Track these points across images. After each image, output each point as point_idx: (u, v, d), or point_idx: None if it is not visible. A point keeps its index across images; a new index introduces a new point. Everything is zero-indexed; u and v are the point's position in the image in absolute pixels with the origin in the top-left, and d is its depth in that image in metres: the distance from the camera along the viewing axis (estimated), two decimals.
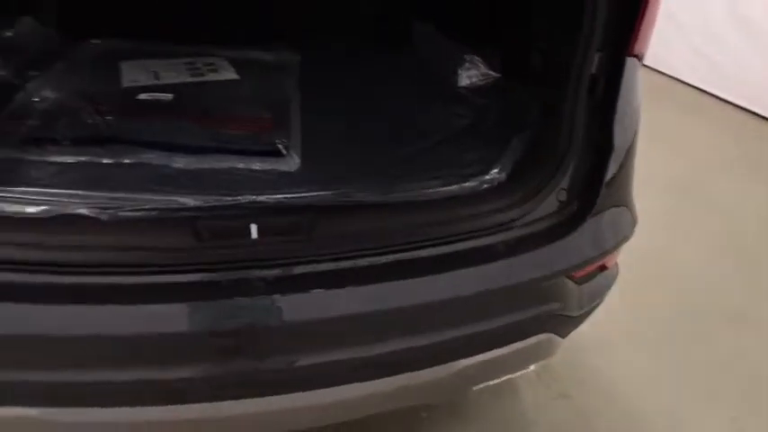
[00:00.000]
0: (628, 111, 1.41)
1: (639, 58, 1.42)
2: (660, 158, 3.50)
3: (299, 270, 1.18)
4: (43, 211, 1.20)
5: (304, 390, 1.22)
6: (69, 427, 1.17)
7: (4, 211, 1.20)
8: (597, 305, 1.59)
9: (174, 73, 1.90)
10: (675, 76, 5.32)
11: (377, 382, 1.27)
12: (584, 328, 1.63)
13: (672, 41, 5.13)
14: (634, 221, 1.55)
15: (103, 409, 1.15)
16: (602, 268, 1.50)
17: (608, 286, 1.58)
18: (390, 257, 1.22)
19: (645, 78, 1.48)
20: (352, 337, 1.23)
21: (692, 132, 4.22)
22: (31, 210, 1.20)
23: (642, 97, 1.48)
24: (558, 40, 1.48)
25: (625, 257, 1.60)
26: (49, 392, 1.12)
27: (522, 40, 1.76)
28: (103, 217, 1.19)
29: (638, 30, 1.33)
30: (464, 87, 2.03)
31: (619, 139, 1.38)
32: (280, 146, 1.49)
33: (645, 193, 1.67)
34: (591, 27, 1.34)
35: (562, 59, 1.41)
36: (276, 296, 1.15)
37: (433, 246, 1.25)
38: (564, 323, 1.49)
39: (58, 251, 1.13)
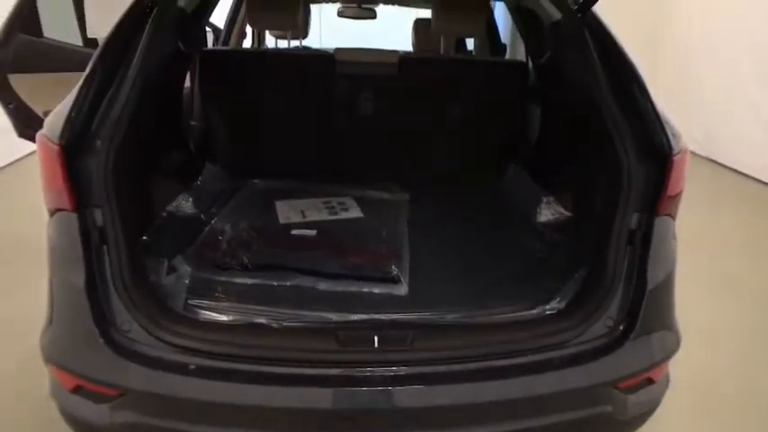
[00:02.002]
0: (661, 256, 1.80)
1: (672, 216, 1.85)
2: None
3: (403, 371, 1.63)
4: (234, 319, 1.77)
5: None
6: None
7: (207, 318, 1.78)
8: (648, 412, 1.90)
9: (316, 211, 2.53)
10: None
11: None
12: None
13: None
14: (677, 342, 1.86)
15: None
16: (649, 381, 1.81)
17: (657, 396, 1.87)
18: (470, 366, 1.64)
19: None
20: (438, 421, 1.65)
21: None
22: (224, 318, 1.78)
23: (676, 245, 1.88)
24: (608, 198, 1.92)
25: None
26: None
27: (588, 191, 2.21)
28: (275, 325, 1.74)
29: (664, 198, 1.77)
30: (541, 223, 2.50)
31: (653, 279, 1.77)
32: (393, 275, 2.02)
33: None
34: (627, 194, 1.78)
35: (610, 213, 1.85)
36: (389, 388, 1.61)
37: (504, 358, 1.67)
38: (614, 425, 1.81)
39: (243, 348, 1.66)
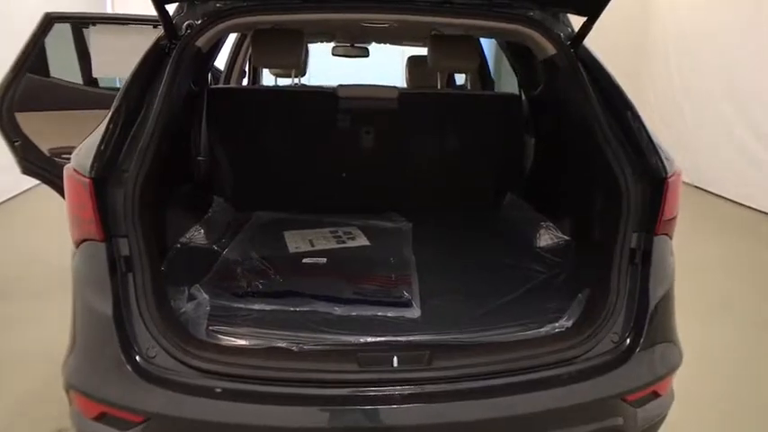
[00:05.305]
0: (661, 273, 1.90)
1: (669, 235, 1.95)
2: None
3: (423, 390, 1.69)
4: (255, 344, 1.82)
5: None
6: None
7: (230, 343, 1.83)
8: (655, 425, 1.96)
9: (325, 241, 2.61)
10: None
11: None
12: None
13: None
14: (680, 356, 1.94)
15: None
16: (656, 394, 1.88)
17: (663, 410, 1.95)
18: (486, 383, 1.71)
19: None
20: None
21: None
22: (246, 343, 1.84)
23: (674, 262, 1.98)
24: (607, 221, 2.02)
25: None
26: None
27: (586, 216, 2.32)
28: (294, 349, 1.79)
29: (661, 218, 1.87)
30: (541, 248, 2.59)
31: (655, 296, 1.86)
32: (405, 299, 2.09)
33: None
34: (626, 215, 1.89)
35: (611, 234, 1.95)
36: (407, 406, 1.67)
37: (515, 375, 1.73)
38: None
39: (267, 370, 1.70)
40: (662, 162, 1.88)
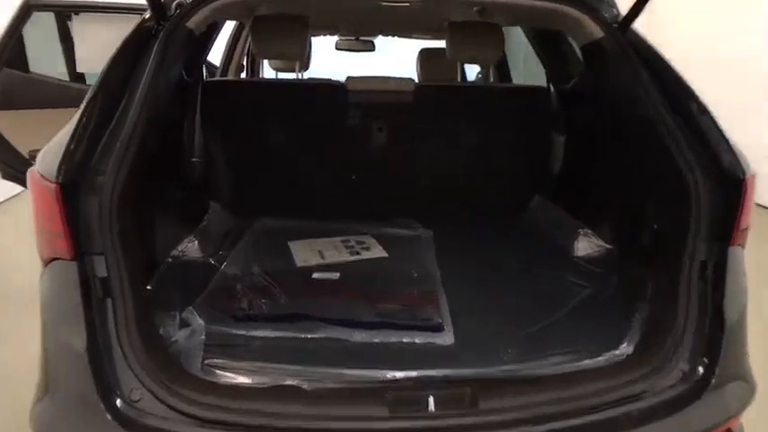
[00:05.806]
0: (735, 291, 1.61)
1: (743, 245, 1.66)
2: None
3: None
4: (261, 381, 1.52)
5: None
6: None
7: (230, 382, 1.53)
8: None
9: (336, 252, 2.31)
10: None
11: None
12: None
13: None
14: (752, 389, 1.66)
15: None
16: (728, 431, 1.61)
17: None
18: (542, 428, 1.41)
19: None
20: None
21: None
22: (249, 381, 1.53)
23: (746, 278, 1.69)
24: (669, 227, 1.73)
25: None
26: None
27: (635, 221, 2.02)
28: (306, 387, 1.49)
29: (738, 226, 1.59)
30: (580, 257, 2.29)
31: (729, 316, 1.58)
32: (435, 322, 1.79)
33: None
34: (696, 221, 1.60)
35: (673, 245, 1.66)
36: None
37: (577, 417, 1.44)
38: None
39: (270, 418, 1.39)
40: (737, 160, 1.60)
